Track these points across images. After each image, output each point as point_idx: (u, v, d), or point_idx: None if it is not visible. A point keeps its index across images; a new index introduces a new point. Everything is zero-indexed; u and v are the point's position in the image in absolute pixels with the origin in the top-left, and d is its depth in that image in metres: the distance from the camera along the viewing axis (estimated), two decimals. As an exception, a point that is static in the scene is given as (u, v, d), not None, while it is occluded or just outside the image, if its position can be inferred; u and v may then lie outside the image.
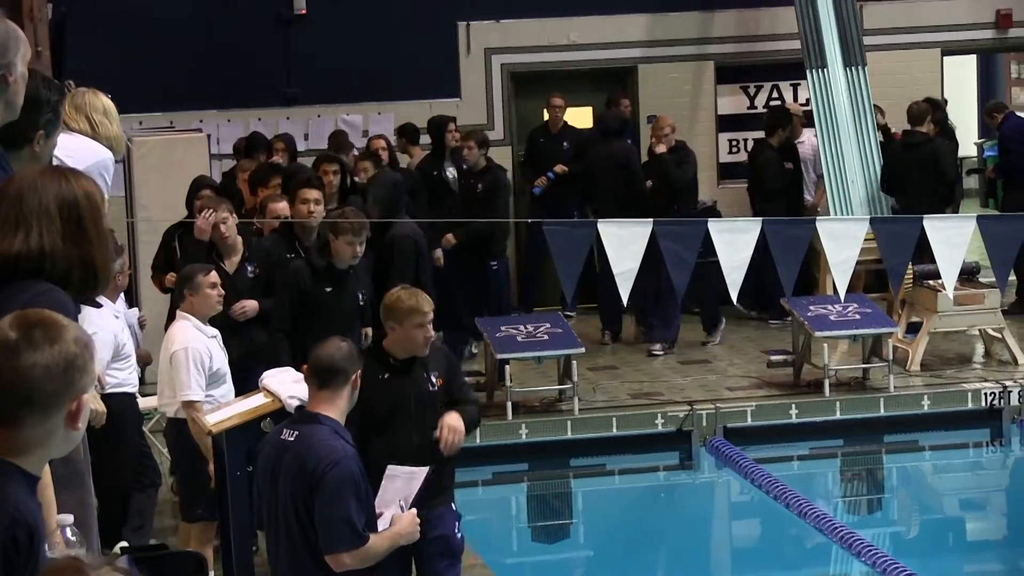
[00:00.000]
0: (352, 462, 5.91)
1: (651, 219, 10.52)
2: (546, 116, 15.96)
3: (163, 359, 8.54)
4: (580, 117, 16.32)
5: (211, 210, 9.94)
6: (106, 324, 8.39)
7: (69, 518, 3.26)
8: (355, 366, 6.09)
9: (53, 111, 4.57)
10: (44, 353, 3.07)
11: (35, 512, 3.12)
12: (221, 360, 8.55)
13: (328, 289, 9.27)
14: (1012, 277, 13.20)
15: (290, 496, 5.95)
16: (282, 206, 10.22)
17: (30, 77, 4.52)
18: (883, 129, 15.17)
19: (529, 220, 12.72)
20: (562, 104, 15.64)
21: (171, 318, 9.02)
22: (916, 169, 14.11)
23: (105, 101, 5.79)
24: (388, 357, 7.15)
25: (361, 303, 9.48)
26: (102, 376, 8.28)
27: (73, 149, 5.13)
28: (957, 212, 14.64)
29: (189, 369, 8.30)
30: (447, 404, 7.20)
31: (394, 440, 7.01)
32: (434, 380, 7.17)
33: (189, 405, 8.29)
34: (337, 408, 6.04)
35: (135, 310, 10.41)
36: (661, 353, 13.97)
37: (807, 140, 15.67)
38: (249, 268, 9.88)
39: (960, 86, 17.28)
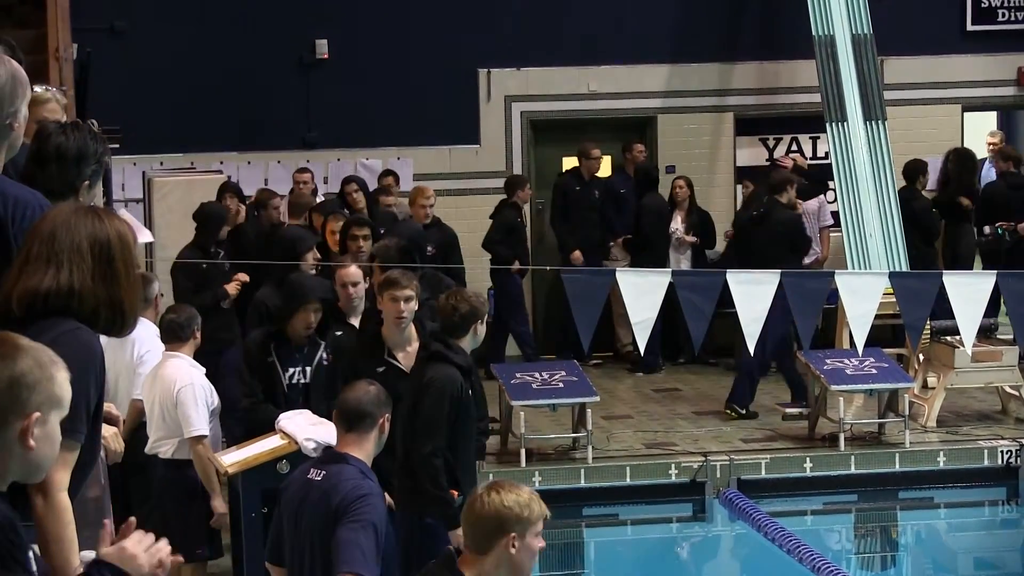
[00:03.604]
0: (379, 499, 5.92)
1: (669, 269, 10.53)
2: (568, 164, 16.06)
3: (159, 399, 8.52)
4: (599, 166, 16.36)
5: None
6: (155, 342, 8.64)
7: (92, 555, 3.26)
8: (383, 410, 6.11)
9: (98, 162, 4.64)
10: None
11: (8, 511, 3.17)
12: (217, 397, 8.68)
13: (470, 392, 7.78)
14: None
15: (316, 533, 5.95)
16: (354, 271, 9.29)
17: (78, 130, 4.59)
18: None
19: (548, 268, 12.72)
20: (599, 155, 15.77)
21: None
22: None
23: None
24: None
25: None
26: (114, 410, 8.30)
27: None
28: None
29: (197, 405, 8.36)
30: None
31: None
32: None
33: (198, 441, 8.33)
34: (364, 451, 6.06)
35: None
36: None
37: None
38: None
39: (980, 142, 17.24)
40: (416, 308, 8.13)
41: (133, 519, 3.41)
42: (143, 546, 3.33)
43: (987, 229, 15.10)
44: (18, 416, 3.13)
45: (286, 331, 8.85)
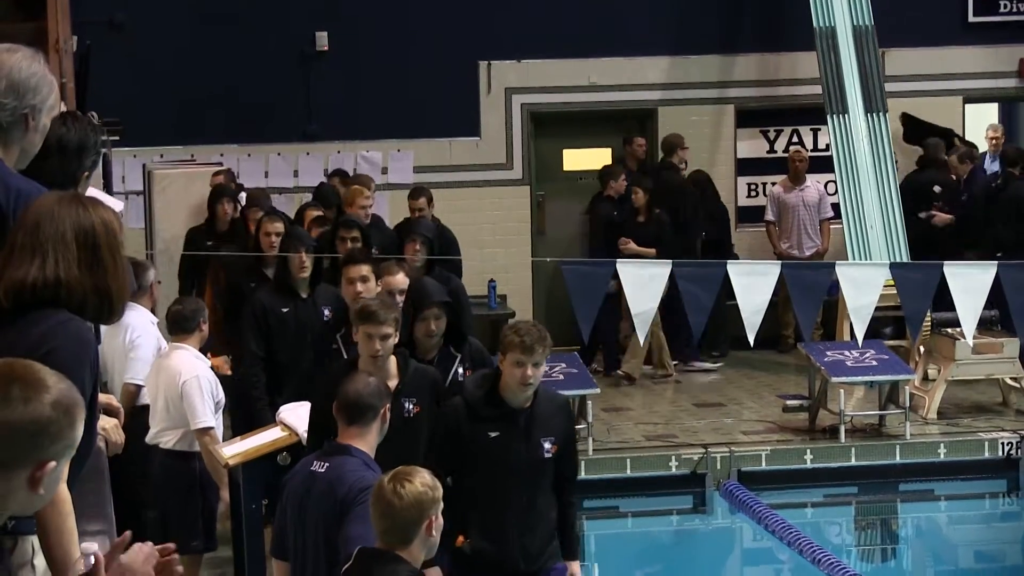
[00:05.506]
0: None
1: (670, 260, 10.52)
2: (569, 157, 16.04)
3: (163, 390, 8.52)
4: (599, 158, 16.34)
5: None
6: (148, 327, 8.73)
7: (94, 546, 3.25)
8: (383, 401, 6.11)
9: (97, 152, 4.64)
10: (15, 411, 2.94)
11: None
12: (223, 391, 8.68)
13: (494, 434, 6.84)
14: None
15: (319, 525, 5.95)
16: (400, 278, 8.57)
17: (76, 121, 4.58)
18: None
19: (548, 259, 12.71)
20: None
21: None
22: None
23: None
24: None
25: (548, 455, 6.88)
26: (114, 401, 8.29)
27: None
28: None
29: (203, 397, 8.36)
30: None
31: None
32: None
33: (204, 432, 8.33)
34: (367, 442, 6.07)
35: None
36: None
37: (811, 185, 15.72)
38: (408, 405, 7.35)
39: (980, 134, 17.21)
40: (395, 343, 7.25)
41: (128, 533, 3.37)
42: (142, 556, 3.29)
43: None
44: (33, 463, 2.99)
45: (413, 343, 7.80)
